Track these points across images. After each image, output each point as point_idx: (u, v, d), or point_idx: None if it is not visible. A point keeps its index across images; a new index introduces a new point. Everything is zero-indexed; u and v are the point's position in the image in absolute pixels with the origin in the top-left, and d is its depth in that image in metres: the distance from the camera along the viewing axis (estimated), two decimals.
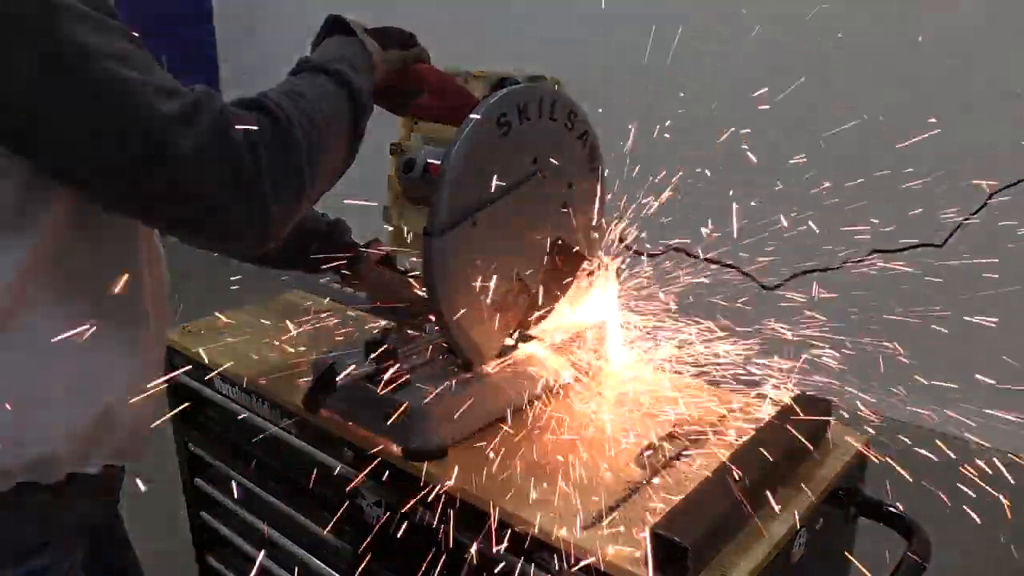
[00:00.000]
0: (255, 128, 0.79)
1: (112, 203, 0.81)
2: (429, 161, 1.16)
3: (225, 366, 1.35)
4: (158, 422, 1.01)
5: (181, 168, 0.75)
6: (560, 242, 1.19)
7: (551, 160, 1.13)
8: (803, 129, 3.09)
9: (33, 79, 0.71)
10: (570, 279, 1.24)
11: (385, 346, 1.09)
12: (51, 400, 0.86)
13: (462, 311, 1.07)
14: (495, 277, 1.09)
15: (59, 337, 0.83)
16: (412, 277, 1.36)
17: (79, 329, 0.84)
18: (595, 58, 3.70)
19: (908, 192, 3.04)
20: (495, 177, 1.05)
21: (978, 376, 2.92)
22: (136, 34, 0.79)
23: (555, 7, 3.80)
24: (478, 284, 1.07)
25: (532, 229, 1.13)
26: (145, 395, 0.94)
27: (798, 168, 3.20)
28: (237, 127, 0.77)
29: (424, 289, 1.08)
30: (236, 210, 0.79)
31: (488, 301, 1.09)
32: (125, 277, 0.89)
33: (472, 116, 1.02)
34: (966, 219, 2.60)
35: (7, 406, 0.81)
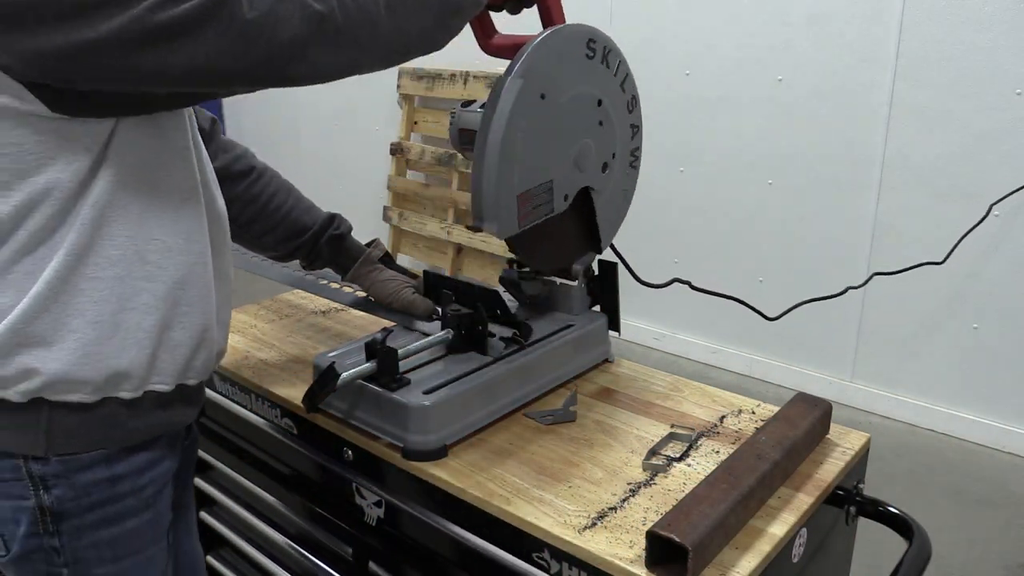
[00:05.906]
0: None
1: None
2: (462, 128, 1.18)
3: (225, 366, 1.35)
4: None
5: None
6: (588, 190, 1.22)
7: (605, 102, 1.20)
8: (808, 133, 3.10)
9: None
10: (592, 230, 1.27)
11: (385, 346, 1.09)
12: (155, 321, 0.92)
13: (498, 170, 1.06)
14: (534, 163, 1.11)
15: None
16: (412, 277, 1.36)
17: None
18: None
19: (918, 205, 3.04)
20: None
21: (979, 378, 2.93)
22: None
23: None
24: (518, 156, 1.08)
25: (577, 143, 1.18)
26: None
27: (796, 185, 3.21)
28: None
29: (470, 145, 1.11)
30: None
31: (520, 182, 1.10)
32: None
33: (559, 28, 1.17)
34: (967, 233, 2.61)
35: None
